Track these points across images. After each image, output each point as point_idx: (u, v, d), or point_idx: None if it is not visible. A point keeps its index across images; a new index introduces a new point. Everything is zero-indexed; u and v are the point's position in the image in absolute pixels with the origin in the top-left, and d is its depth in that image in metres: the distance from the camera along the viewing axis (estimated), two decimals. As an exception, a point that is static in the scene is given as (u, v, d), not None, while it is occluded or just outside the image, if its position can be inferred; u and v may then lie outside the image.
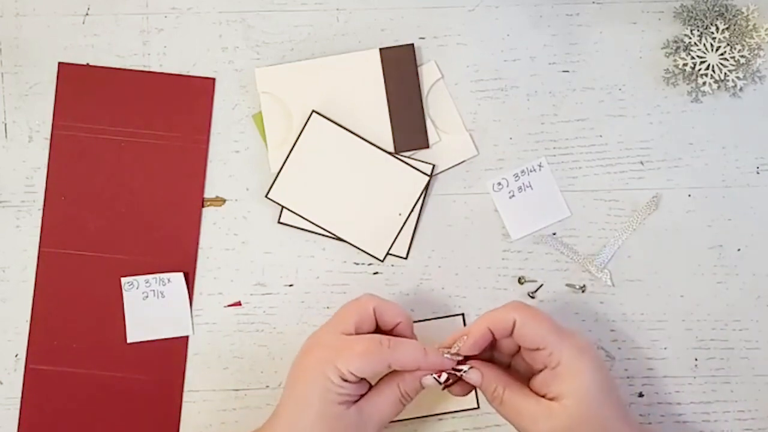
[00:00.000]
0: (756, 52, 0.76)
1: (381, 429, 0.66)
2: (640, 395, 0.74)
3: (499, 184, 0.75)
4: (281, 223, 0.75)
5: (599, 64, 0.76)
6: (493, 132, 0.76)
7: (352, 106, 0.75)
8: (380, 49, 0.76)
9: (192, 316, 0.74)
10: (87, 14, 0.76)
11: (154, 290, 0.74)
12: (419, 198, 0.75)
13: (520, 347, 0.66)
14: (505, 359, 0.69)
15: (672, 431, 0.74)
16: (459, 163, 0.76)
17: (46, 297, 0.74)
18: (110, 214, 0.75)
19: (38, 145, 0.75)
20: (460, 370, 0.65)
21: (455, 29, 0.77)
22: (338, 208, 0.75)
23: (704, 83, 0.75)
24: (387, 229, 0.75)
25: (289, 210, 0.75)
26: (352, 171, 0.75)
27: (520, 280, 0.75)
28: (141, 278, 0.74)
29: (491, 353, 0.69)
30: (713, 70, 0.75)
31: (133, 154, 0.75)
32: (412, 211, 0.75)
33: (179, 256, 0.75)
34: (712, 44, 0.76)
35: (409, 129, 0.75)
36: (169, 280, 0.74)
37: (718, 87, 0.76)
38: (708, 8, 0.76)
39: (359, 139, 0.75)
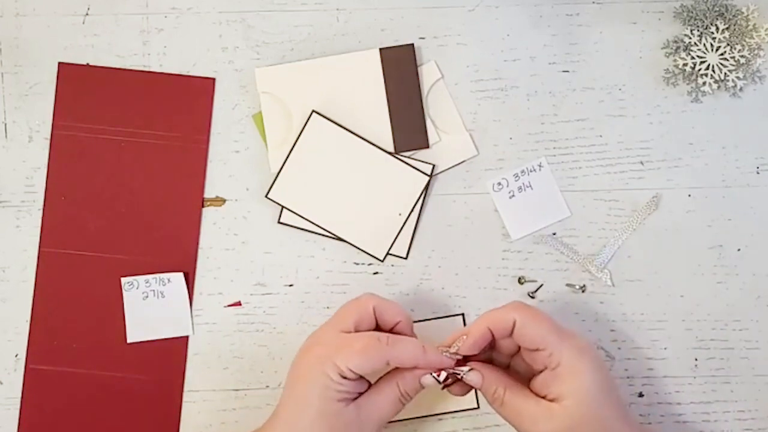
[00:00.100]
0: (756, 52, 0.76)
1: (380, 428, 0.66)
2: (640, 395, 0.74)
3: (499, 184, 0.75)
4: (281, 223, 0.75)
5: (599, 64, 0.76)
6: (493, 132, 0.76)
7: (352, 106, 0.75)
8: (380, 49, 0.76)
9: (192, 316, 0.74)
10: (87, 14, 0.76)
11: (154, 290, 0.74)
12: (419, 198, 0.75)
13: (519, 348, 0.66)
14: (505, 360, 0.69)
15: (672, 431, 0.74)
16: (459, 163, 0.76)
17: (46, 297, 0.74)
18: (110, 214, 0.75)
19: (38, 145, 0.75)
20: (460, 372, 0.65)
21: (455, 29, 0.77)
22: (338, 208, 0.75)
23: (704, 83, 0.75)
24: (387, 229, 0.75)
25: (289, 210, 0.75)
26: (352, 171, 0.75)
27: (520, 280, 0.75)
28: (141, 278, 0.74)
29: (490, 353, 0.69)
30: (713, 70, 0.75)
31: (133, 154, 0.75)
32: (412, 211, 0.75)
33: (179, 256, 0.75)
34: (712, 44, 0.76)
35: (409, 129, 0.75)
36: (169, 280, 0.74)
37: (718, 87, 0.76)
38: (708, 8, 0.76)
39: (359, 139, 0.75)
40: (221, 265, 0.75)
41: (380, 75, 0.76)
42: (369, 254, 0.75)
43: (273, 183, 0.75)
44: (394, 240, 0.75)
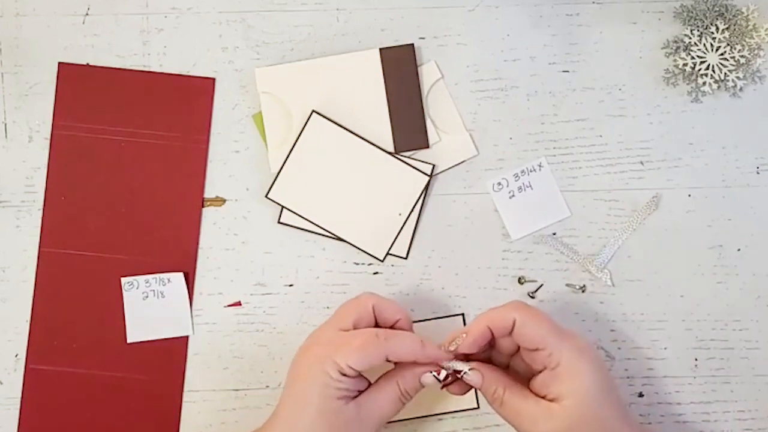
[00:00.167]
0: (756, 52, 0.76)
1: (380, 427, 0.66)
2: (640, 395, 0.74)
3: (499, 184, 0.75)
4: (281, 223, 0.75)
5: (599, 64, 0.76)
6: (493, 132, 0.76)
7: (352, 106, 0.75)
8: (380, 49, 0.76)
9: (192, 316, 0.74)
10: (87, 14, 0.76)
11: (154, 290, 0.74)
12: (419, 198, 0.75)
13: (519, 347, 0.66)
14: (504, 359, 0.68)
15: (672, 431, 0.74)
16: (459, 163, 0.76)
17: (46, 297, 0.74)
18: (110, 214, 0.75)
19: (38, 145, 0.75)
20: (460, 371, 0.65)
21: (455, 29, 0.77)
22: (338, 208, 0.75)
23: (704, 83, 0.75)
24: (387, 229, 0.75)
25: (289, 210, 0.75)
26: (352, 171, 0.75)
27: (520, 280, 0.75)
28: (141, 278, 0.74)
29: (490, 353, 0.69)
30: (713, 70, 0.75)
31: (133, 154, 0.75)
32: (412, 211, 0.75)
33: (179, 256, 0.75)
34: (712, 44, 0.76)
35: (409, 129, 0.75)
36: (169, 280, 0.74)
37: (718, 87, 0.76)
38: (708, 8, 0.76)
39: (359, 139, 0.75)
40: (221, 265, 0.75)
41: (380, 75, 0.76)
42: (369, 254, 0.75)
43: (273, 183, 0.75)
44: (394, 240, 0.75)
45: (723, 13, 0.76)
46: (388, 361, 0.65)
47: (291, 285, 0.75)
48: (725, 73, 0.75)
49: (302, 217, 0.75)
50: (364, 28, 0.76)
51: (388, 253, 0.75)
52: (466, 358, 0.66)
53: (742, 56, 0.75)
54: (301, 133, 0.75)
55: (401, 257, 0.75)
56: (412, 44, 0.76)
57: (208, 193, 0.75)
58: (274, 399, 0.70)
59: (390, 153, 0.75)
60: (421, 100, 0.75)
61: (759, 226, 0.75)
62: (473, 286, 0.75)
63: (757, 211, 0.75)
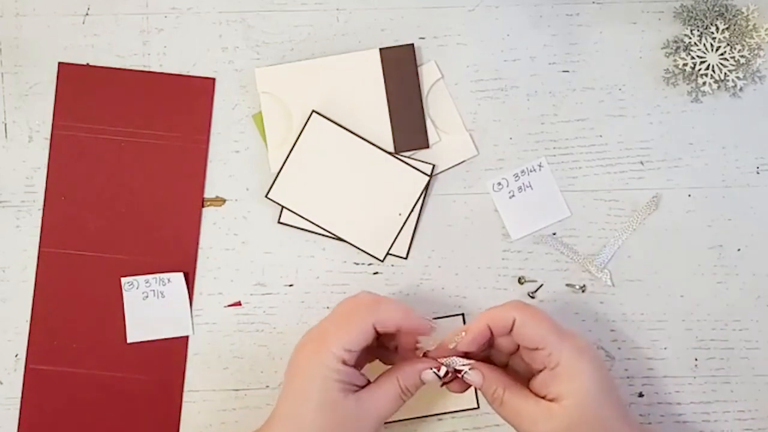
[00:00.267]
0: (756, 52, 0.76)
1: (380, 424, 0.65)
2: (640, 395, 0.74)
3: (499, 184, 0.75)
4: (281, 223, 0.75)
5: (599, 64, 0.76)
6: (493, 132, 0.76)
7: (352, 106, 0.75)
8: (380, 49, 0.76)
9: (192, 316, 0.74)
10: (87, 14, 0.76)
11: (154, 290, 0.74)
12: (419, 198, 0.75)
13: (518, 347, 0.66)
14: (503, 358, 0.68)
15: (672, 431, 0.74)
16: (459, 163, 0.76)
17: (46, 297, 0.74)
18: (110, 214, 0.75)
19: (38, 145, 0.75)
20: (461, 369, 0.65)
21: (455, 29, 0.77)
22: (338, 208, 0.75)
23: (704, 83, 0.75)
24: (387, 229, 0.75)
25: (289, 210, 0.75)
26: (352, 171, 0.75)
27: (520, 280, 0.75)
28: (141, 278, 0.74)
29: (489, 352, 0.69)
30: (713, 70, 0.75)
31: (133, 154, 0.75)
32: (412, 211, 0.75)
33: (179, 256, 0.75)
34: (712, 44, 0.76)
35: (409, 129, 0.75)
36: (169, 280, 0.74)
37: (718, 87, 0.76)
38: (708, 8, 0.76)
39: (359, 139, 0.75)
40: (221, 265, 0.75)
41: (380, 75, 0.76)
42: (369, 254, 0.75)
43: (273, 183, 0.75)
44: (394, 240, 0.75)
45: (723, 13, 0.76)
46: (378, 334, 0.65)
47: (291, 285, 0.75)
48: (725, 73, 0.75)
49: (302, 217, 0.75)
50: (364, 28, 0.76)
51: (388, 253, 0.75)
52: (466, 356, 0.66)
53: (742, 56, 0.75)
54: (301, 133, 0.75)
55: (401, 257, 0.75)
56: (412, 44, 0.76)
57: (208, 193, 0.75)
58: (274, 399, 0.70)
59: (390, 153, 0.75)
60: (421, 100, 0.75)
61: (759, 226, 0.75)
62: (473, 286, 0.75)
63: (757, 211, 0.75)
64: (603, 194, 0.76)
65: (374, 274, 0.75)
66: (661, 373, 0.74)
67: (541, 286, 0.75)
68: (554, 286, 0.75)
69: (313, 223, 0.75)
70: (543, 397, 0.64)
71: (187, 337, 0.74)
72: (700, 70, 0.75)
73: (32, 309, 0.74)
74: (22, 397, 0.74)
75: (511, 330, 0.65)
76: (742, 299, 0.75)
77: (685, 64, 0.75)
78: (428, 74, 0.76)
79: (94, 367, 0.74)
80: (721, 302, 0.75)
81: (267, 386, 0.74)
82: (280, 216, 0.75)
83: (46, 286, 0.74)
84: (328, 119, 0.75)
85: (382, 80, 0.75)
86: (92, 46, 0.76)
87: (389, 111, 0.75)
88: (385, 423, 0.72)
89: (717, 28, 0.76)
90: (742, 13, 0.76)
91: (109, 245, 0.74)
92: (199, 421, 0.74)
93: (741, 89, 0.76)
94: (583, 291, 0.75)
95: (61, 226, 0.75)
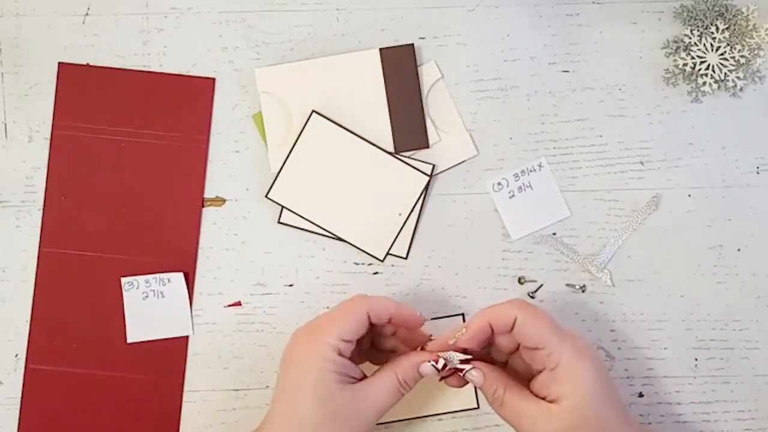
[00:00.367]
0: (756, 52, 0.76)
1: (378, 417, 0.65)
2: (640, 395, 0.74)
3: (499, 184, 0.75)
4: (281, 223, 0.75)
5: (599, 64, 0.76)
6: (493, 132, 0.76)
7: (352, 106, 0.75)
8: (380, 49, 0.76)
9: (192, 316, 0.74)
10: (87, 14, 0.76)
11: (154, 290, 0.74)
12: (419, 198, 0.75)
13: (518, 346, 0.66)
14: (503, 357, 0.68)
15: (672, 431, 0.74)
16: (459, 163, 0.76)
17: (46, 297, 0.74)
18: (110, 214, 0.75)
19: (38, 145, 0.75)
20: (462, 369, 0.65)
21: (455, 29, 0.77)
22: (338, 208, 0.75)
23: (704, 83, 0.75)
24: (387, 229, 0.75)
25: (289, 210, 0.75)
26: (352, 171, 0.75)
27: (520, 280, 0.75)
28: (141, 278, 0.74)
29: (488, 350, 0.68)
30: (713, 70, 0.75)
31: (133, 154, 0.75)
32: (412, 211, 0.75)
33: (179, 256, 0.75)
34: (712, 44, 0.76)
35: (409, 129, 0.75)
36: (169, 280, 0.74)
37: (718, 87, 0.76)
38: (708, 8, 0.76)
39: (359, 139, 0.75)
40: (221, 265, 0.75)
41: (380, 75, 0.76)
42: (369, 254, 0.75)
43: (273, 183, 0.75)
44: (394, 240, 0.75)
45: (723, 13, 0.76)
46: (372, 324, 0.65)
47: (291, 285, 0.75)
48: (725, 73, 0.75)
49: (302, 217, 0.75)
50: (364, 28, 0.76)
51: (388, 253, 0.75)
52: (464, 352, 0.66)
53: (742, 56, 0.75)
54: (301, 133, 0.75)
55: (401, 257, 0.75)
56: (412, 44, 0.76)
57: (208, 193, 0.75)
58: (274, 399, 0.70)
59: (390, 153, 0.75)
60: (421, 100, 0.75)
61: (759, 226, 0.75)
62: (473, 286, 0.75)
63: (757, 211, 0.75)
64: (603, 194, 0.76)
65: (374, 274, 0.75)
66: (661, 373, 0.74)
67: (541, 286, 0.75)
68: (554, 286, 0.75)
69: (313, 223, 0.75)
70: (543, 399, 0.64)
71: (187, 337, 0.74)
72: (700, 70, 0.75)
73: (32, 309, 0.74)
74: (22, 397, 0.74)
75: (512, 328, 0.64)
76: (742, 299, 0.75)
77: (685, 64, 0.75)
78: (428, 74, 0.76)
79: (94, 367, 0.74)
80: (721, 302, 0.75)
81: (267, 386, 0.74)
82: (280, 216, 0.75)
83: (46, 286, 0.74)
84: (328, 119, 0.75)
85: (382, 80, 0.75)
86: (92, 46, 0.76)
87: (389, 111, 0.75)
88: (385, 423, 0.72)
89: (717, 28, 0.76)
90: (742, 13, 0.76)
91: (109, 245, 0.74)
92: (199, 421, 0.74)
93: (741, 89, 0.76)
94: (583, 291, 0.75)
95: (61, 226, 0.75)
